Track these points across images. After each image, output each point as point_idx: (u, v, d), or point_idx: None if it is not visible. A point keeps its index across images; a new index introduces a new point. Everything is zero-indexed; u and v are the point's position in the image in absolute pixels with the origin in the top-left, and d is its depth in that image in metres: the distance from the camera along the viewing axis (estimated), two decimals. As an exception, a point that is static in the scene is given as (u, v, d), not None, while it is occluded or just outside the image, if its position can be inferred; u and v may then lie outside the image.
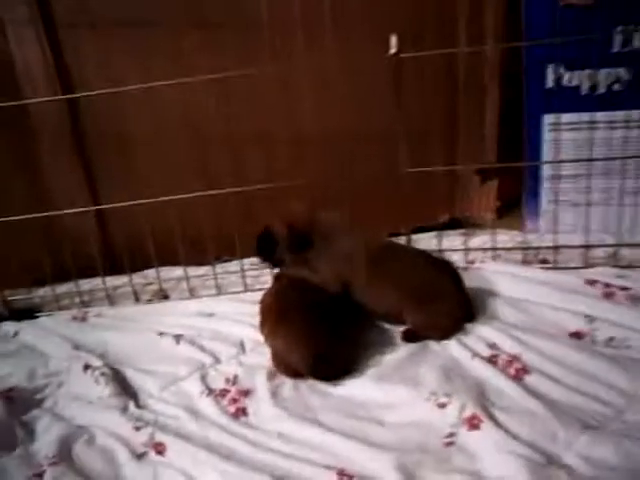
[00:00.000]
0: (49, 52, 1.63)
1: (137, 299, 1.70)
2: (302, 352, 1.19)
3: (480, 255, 1.65)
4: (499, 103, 1.77)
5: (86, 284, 1.73)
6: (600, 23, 1.47)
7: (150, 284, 1.73)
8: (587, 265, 1.54)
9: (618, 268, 1.48)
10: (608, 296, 1.37)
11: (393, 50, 1.46)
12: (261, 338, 1.32)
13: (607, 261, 1.55)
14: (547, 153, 1.68)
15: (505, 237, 1.72)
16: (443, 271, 1.36)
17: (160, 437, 1.09)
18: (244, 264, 1.66)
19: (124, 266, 1.66)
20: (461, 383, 1.13)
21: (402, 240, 1.61)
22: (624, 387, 1.08)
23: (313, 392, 1.19)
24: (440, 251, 1.64)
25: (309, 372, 1.20)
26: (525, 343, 1.24)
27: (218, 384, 1.24)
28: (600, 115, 1.58)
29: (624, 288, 1.37)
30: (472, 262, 1.62)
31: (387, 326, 1.37)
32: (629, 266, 1.50)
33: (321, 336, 1.20)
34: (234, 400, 1.19)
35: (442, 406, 1.07)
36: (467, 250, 1.65)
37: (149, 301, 1.70)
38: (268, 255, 1.43)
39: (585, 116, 1.60)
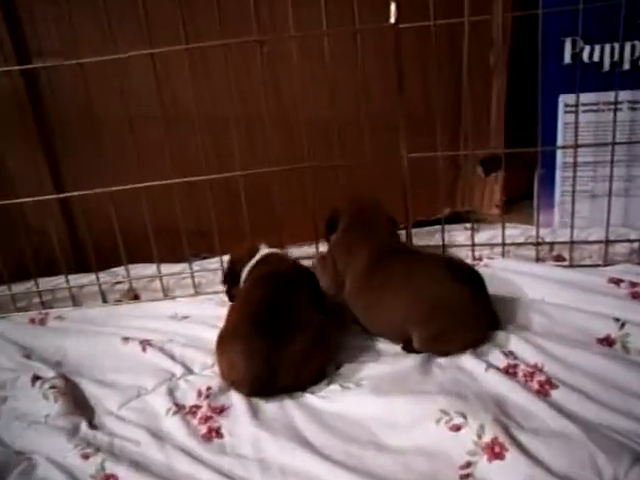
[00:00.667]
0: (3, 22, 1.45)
1: (104, 300, 1.52)
2: (241, 368, 1.03)
3: (487, 251, 1.49)
4: (506, 84, 1.60)
5: (48, 283, 1.54)
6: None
7: (119, 283, 1.55)
8: (608, 262, 1.37)
9: (643, 265, 1.32)
10: (636, 296, 1.20)
11: (392, 20, 1.31)
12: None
13: (630, 258, 1.39)
14: (563, 138, 1.51)
15: (515, 231, 1.54)
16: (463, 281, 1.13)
17: (112, 468, 0.90)
18: (225, 262, 1.48)
19: (91, 263, 1.49)
20: (476, 400, 0.95)
21: (402, 234, 1.44)
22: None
23: (301, 408, 1.01)
24: (444, 246, 1.48)
25: (252, 390, 1.04)
26: (547, 351, 1.06)
27: (189, 399, 1.06)
28: (623, 95, 1.40)
29: (653, 287, 1.20)
30: (479, 259, 1.46)
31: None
32: (655, 263, 1.33)
33: (266, 347, 1.02)
34: (206, 418, 1.01)
35: (456, 429, 0.89)
36: (474, 246, 1.48)
37: (118, 302, 1.52)
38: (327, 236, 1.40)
39: (606, 96, 1.43)
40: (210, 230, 1.43)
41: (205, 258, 1.60)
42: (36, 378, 1.13)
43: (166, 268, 1.52)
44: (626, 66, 1.41)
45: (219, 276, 1.48)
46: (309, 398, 1.03)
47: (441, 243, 1.49)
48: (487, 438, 0.85)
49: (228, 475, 0.88)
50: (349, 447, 0.91)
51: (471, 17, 1.31)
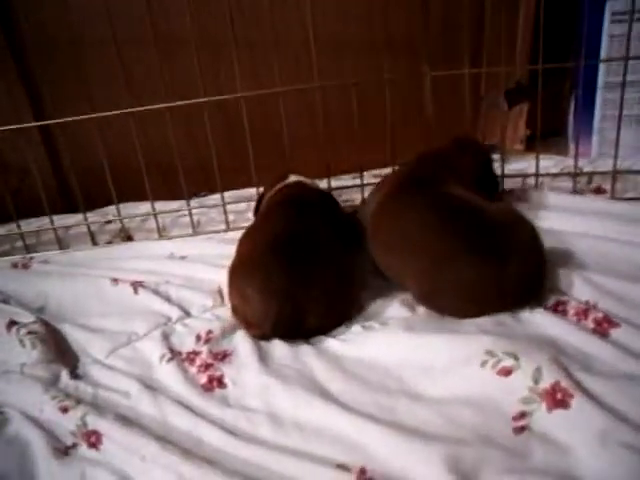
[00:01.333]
0: None
1: (94, 241, 1.37)
2: (260, 307, 0.88)
3: (519, 184, 1.34)
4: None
5: (31, 224, 1.40)
6: None
7: (110, 222, 1.40)
8: (654, 194, 1.22)
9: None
10: (689, 230, 1.05)
11: None
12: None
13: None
14: (607, 52, 1.32)
15: (549, 162, 1.40)
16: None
17: (95, 422, 0.75)
18: (226, 197, 1.33)
19: (78, 202, 1.34)
20: (525, 339, 0.79)
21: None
22: None
23: (318, 353, 0.86)
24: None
25: (274, 333, 0.89)
26: (599, 287, 0.91)
27: (186, 345, 0.92)
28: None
29: None
30: (510, 192, 1.30)
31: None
32: None
33: (289, 281, 0.87)
34: (206, 366, 0.86)
35: (505, 372, 0.74)
36: (504, 177, 1.32)
37: (108, 243, 1.37)
38: None
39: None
40: (210, 165, 1.27)
41: (204, 196, 1.46)
42: (12, 323, 0.99)
43: (161, 206, 1.37)
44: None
45: (220, 214, 1.33)
46: (327, 341, 0.88)
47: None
48: (546, 383, 0.70)
49: (232, 431, 0.73)
50: (379, 398, 0.76)
51: None
